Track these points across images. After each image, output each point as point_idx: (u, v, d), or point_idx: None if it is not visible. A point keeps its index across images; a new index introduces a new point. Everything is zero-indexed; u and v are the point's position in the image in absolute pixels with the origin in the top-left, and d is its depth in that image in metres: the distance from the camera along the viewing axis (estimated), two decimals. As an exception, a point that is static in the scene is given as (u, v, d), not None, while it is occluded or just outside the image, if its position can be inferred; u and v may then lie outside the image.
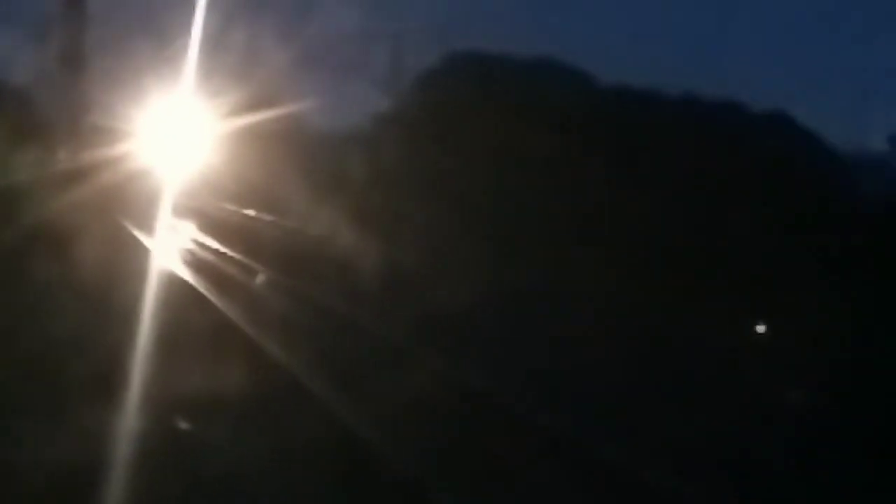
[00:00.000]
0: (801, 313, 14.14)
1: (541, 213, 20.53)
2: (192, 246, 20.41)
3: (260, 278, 17.31)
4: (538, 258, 18.28)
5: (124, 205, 20.96)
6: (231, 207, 25.41)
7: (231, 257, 19.08)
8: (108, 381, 8.81)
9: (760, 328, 14.92)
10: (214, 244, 20.18)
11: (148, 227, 19.83)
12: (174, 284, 15.02)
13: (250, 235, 21.52)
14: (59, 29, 20.88)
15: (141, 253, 17.80)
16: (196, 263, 17.94)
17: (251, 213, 24.94)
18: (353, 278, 16.21)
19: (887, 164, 31.99)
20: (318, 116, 24.05)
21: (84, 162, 20.03)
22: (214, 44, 19.51)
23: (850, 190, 24.47)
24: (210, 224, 22.71)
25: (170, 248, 19.49)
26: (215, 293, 14.75)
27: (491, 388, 9.97)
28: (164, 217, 20.34)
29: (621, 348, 12.35)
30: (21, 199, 17.51)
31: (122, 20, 22.64)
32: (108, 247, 15.32)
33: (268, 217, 24.15)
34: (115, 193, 20.11)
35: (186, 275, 16.66)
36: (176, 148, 22.93)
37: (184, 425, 8.21)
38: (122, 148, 21.12)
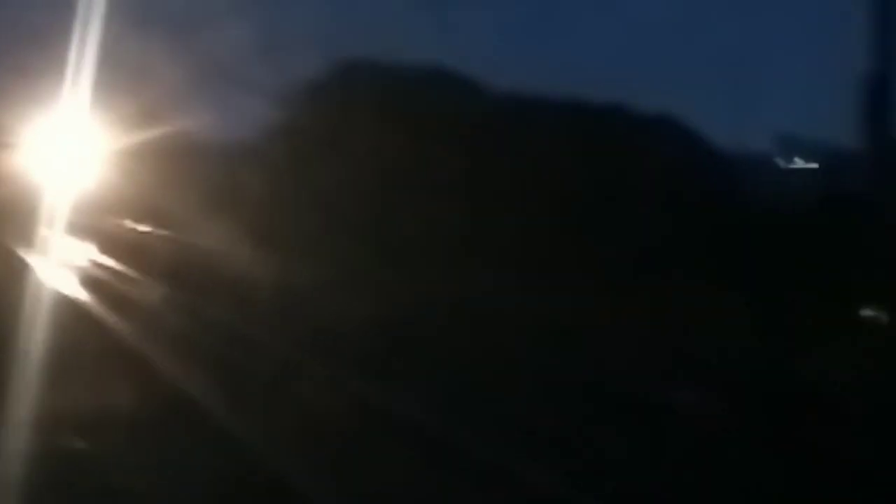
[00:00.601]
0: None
1: (430, 224, 20.68)
2: (81, 263, 20.34)
3: (153, 294, 17.29)
4: (426, 271, 18.43)
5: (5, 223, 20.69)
6: (124, 223, 25.31)
7: (123, 273, 19.01)
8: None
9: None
10: (104, 260, 20.36)
11: (34, 245, 19.33)
12: (61, 303, 14.51)
13: (144, 251, 21.42)
14: None
15: (26, 272, 17.11)
16: (87, 281, 17.83)
17: (145, 228, 24.86)
18: (245, 292, 16.27)
19: (772, 163, 32.80)
20: (210, 131, 24.06)
21: None
22: (105, 57, 19.27)
23: (735, 190, 24.97)
24: (99, 240, 22.69)
25: (57, 267, 18.81)
26: (106, 310, 14.76)
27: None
28: (52, 234, 19.58)
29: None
30: None
31: (7, 30, 22.45)
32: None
33: (162, 232, 23.92)
34: None
35: (75, 293, 16.53)
36: (65, 163, 22.46)
37: (71, 443, 8.28)
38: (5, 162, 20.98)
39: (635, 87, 25.70)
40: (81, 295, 16.79)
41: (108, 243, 22.39)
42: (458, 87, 24.78)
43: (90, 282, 18.54)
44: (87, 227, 23.51)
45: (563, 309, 15.76)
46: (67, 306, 14.75)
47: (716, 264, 18.35)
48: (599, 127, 23.73)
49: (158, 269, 18.78)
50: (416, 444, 8.81)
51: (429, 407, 9.55)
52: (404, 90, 23.37)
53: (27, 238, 19.79)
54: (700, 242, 19.39)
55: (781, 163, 32.89)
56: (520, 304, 16.04)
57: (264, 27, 23.98)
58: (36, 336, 11.43)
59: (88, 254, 21.66)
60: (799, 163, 32.30)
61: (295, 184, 21.65)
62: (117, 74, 21.33)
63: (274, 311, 15.14)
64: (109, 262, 20.56)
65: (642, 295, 16.55)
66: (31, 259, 18.83)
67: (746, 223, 21.25)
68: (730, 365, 12.56)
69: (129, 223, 24.89)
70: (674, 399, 10.84)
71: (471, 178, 21.53)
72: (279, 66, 25.55)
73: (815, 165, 29.92)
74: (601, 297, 16.74)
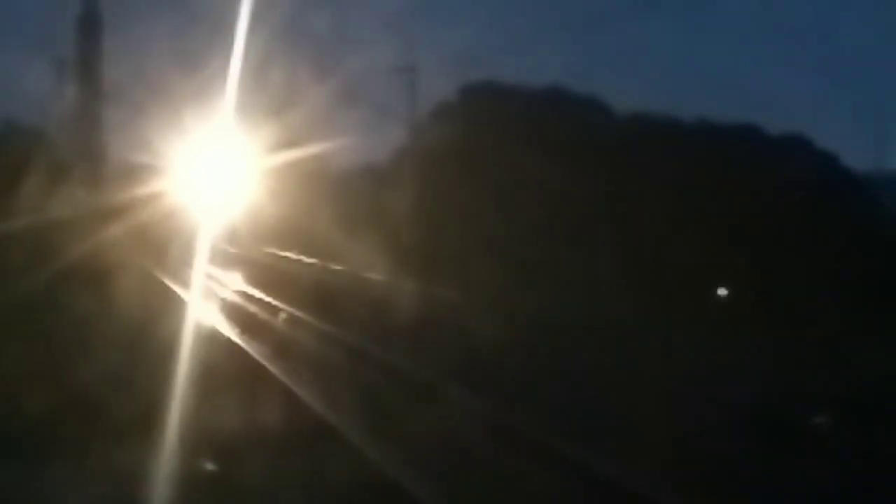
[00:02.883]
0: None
1: (562, 239, 20.55)
2: (231, 296, 19.69)
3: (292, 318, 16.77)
4: (565, 286, 18.26)
5: (152, 250, 20.56)
6: (270, 250, 25.47)
7: (266, 302, 18.64)
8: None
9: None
10: (248, 289, 19.64)
11: (181, 277, 19.24)
12: (215, 343, 13.80)
13: (285, 277, 21.26)
14: (77, 73, 20.84)
15: (175, 306, 16.56)
16: (240, 319, 16.79)
17: (287, 253, 24.92)
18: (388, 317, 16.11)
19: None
20: (343, 153, 24.28)
21: (109, 202, 19.73)
22: (250, 82, 19.41)
23: (870, 208, 24.58)
24: (251, 271, 22.38)
25: (206, 298, 18.53)
26: (246, 338, 14.50)
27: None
28: (199, 264, 19.26)
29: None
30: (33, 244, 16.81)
31: (159, 56, 22.92)
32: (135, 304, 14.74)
33: (303, 257, 24.16)
34: (143, 236, 19.77)
35: (230, 333, 15.55)
36: (210, 185, 22.96)
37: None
38: (155, 185, 21.16)
39: (769, 109, 25.47)
40: (223, 323, 16.44)
41: (251, 269, 22.63)
42: (581, 107, 24.65)
43: (231, 309, 18.38)
44: (234, 255, 23.77)
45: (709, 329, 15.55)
46: (212, 335, 14.24)
47: (853, 282, 18.04)
48: (731, 147, 23.42)
49: (300, 295, 18.66)
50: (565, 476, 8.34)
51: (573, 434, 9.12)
52: (528, 109, 23.27)
53: (173, 264, 20.18)
54: (834, 260, 19.04)
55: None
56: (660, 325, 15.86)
57: (399, 53, 24.41)
58: (182, 364, 11.29)
59: (232, 281, 21.38)
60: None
61: (428, 204, 21.66)
62: (262, 99, 21.66)
63: (416, 334, 14.86)
64: (253, 290, 20.49)
65: (787, 316, 16.28)
66: (176, 287, 18.78)
67: (881, 241, 20.85)
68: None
69: (270, 248, 25.08)
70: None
71: (598, 196, 21.41)
72: (412, 90, 25.90)
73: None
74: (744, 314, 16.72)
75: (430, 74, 26.08)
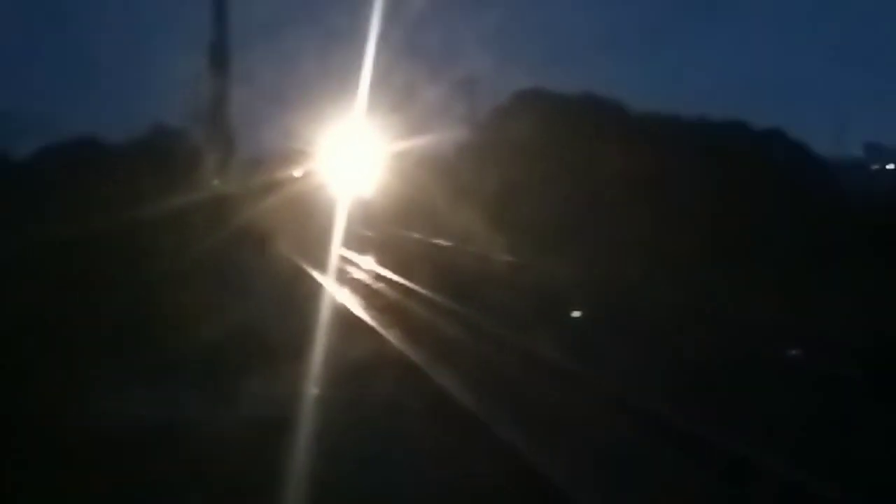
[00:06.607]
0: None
1: (586, 220, 24.29)
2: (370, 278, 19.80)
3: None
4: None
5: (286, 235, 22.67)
6: (402, 232, 28.73)
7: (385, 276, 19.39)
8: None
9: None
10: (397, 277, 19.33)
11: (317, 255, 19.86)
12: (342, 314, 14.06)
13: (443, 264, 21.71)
14: (206, 81, 25.35)
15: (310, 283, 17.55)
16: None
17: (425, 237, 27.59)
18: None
19: (864, 167, 38.05)
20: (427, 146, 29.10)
21: (240, 187, 23.32)
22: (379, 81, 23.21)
23: (835, 190, 28.96)
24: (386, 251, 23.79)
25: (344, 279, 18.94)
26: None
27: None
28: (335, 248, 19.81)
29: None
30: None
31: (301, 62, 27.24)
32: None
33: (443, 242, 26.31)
34: (274, 220, 22.34)
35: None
36: (344, 170, 26.99)
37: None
38: (294, 169, 25.61)
39: (751, 105, 31.11)
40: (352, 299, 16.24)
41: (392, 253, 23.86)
42: (603, 109, 29.77)
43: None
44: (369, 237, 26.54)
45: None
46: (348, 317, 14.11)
47: (828, 253, 19.50)
48: (723, 139, 28.35)
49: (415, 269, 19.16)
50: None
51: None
52: (563, 112, 28.25)
53: (311, 246, 21.13)
54: (809, 236, 21.12)
55: (870, 166, 38.28)
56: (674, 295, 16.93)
57: (474, 64, 29.47)
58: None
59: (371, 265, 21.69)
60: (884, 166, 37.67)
61: (507, 187, 26.29)
62: (388, 94, 26.14)
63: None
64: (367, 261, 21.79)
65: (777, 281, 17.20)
66: (313, 270, 19.29)
67: (846, 217, 23.67)
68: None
69: (405, 231, 28.60)
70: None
71: (614, 185, 25.48)
72: (476, 95, 31.49)
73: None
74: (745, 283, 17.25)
75: (488, 84, 31.56)
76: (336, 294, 16.28)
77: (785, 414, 9.20)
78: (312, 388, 9.51)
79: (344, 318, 13.87)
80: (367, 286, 18.48)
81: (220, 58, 24.50)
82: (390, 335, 12.74)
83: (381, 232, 27.74)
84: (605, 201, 24.53)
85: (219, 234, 19.36)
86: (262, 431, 7.98)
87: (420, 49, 29.18)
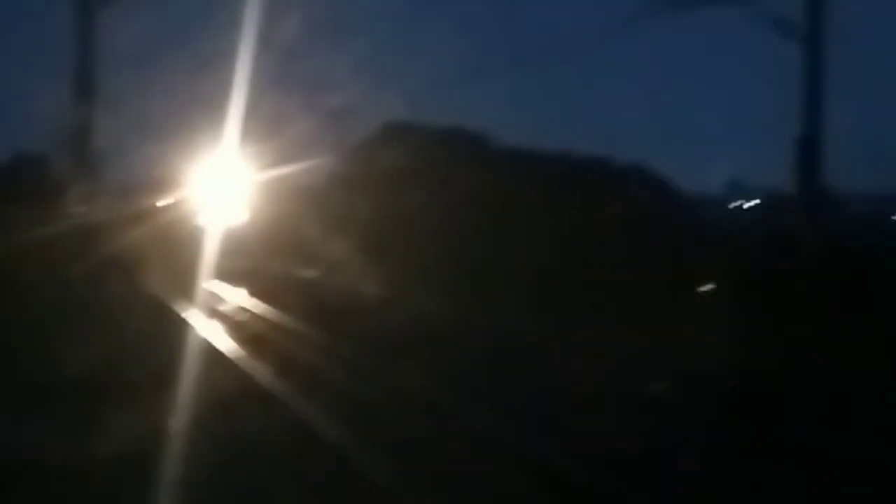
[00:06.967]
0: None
1: (446, 251, 24.65)
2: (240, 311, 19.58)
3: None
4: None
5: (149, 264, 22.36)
6: (272, 262, 28.59)
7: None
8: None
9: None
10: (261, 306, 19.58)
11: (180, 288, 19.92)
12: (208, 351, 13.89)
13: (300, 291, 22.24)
14: (71, 108, 24.69)
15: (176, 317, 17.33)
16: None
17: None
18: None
19: (725, 203, 39.25)
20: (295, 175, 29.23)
21: (105, 216, 22.79)
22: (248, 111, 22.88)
23: (696, 224, 29.67)
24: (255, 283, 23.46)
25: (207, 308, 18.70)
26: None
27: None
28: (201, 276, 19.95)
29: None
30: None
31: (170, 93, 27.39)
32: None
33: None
34: (140, 250, 21.95)
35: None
36: (210, 197, 27.12)
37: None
38: (164, 198, 25.36)
39: (615, 143, 31.95)
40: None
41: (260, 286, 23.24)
42: (470, 143, 30.27)
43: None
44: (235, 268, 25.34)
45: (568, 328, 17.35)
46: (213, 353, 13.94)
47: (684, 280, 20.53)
48: (586, 175, 28.98)
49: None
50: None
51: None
52: (430, 145, 28.61)
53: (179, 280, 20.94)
54: (670, 265, 21.69)
55: (730, 202, 39.68)
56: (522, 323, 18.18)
57: (344, 96, 29.61)
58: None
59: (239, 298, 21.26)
60: (744, 202, 39.19)
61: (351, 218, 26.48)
62: (259, 123, 25.67)
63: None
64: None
65: (631, 308, 18.06)
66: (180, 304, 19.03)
67: (705, 248, 24.04)
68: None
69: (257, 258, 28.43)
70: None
71: (478, 215, 25.98)
72: (347, 125, 31.69)
73: (756, 203, 36.39)
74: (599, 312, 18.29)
75: (356, 116, 31.81)
76: (202, 328, 16.30)
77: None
78: (170, 424, 9.25)
79: (208, 352, 13.89)
80: (232, 319, 18.42)
81: (85, 85, 24.38)
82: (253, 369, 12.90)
83: (251, 262, 27.59)
84: (468, 234, 24.95)
85: (83, 265, 19.18)
86: (115, 469, 7.84)
87: (292, 78, 29.18)
